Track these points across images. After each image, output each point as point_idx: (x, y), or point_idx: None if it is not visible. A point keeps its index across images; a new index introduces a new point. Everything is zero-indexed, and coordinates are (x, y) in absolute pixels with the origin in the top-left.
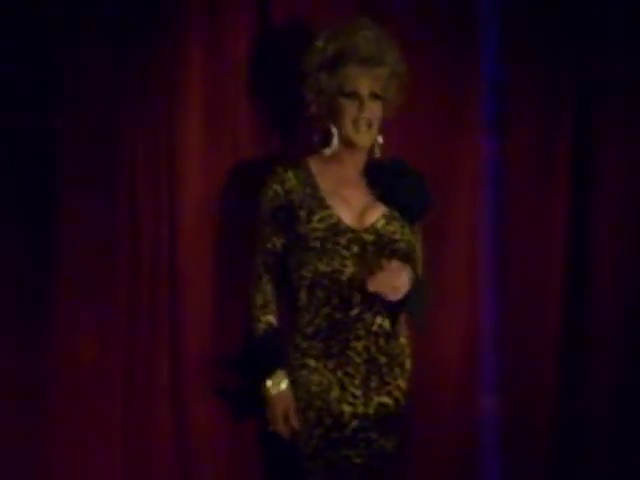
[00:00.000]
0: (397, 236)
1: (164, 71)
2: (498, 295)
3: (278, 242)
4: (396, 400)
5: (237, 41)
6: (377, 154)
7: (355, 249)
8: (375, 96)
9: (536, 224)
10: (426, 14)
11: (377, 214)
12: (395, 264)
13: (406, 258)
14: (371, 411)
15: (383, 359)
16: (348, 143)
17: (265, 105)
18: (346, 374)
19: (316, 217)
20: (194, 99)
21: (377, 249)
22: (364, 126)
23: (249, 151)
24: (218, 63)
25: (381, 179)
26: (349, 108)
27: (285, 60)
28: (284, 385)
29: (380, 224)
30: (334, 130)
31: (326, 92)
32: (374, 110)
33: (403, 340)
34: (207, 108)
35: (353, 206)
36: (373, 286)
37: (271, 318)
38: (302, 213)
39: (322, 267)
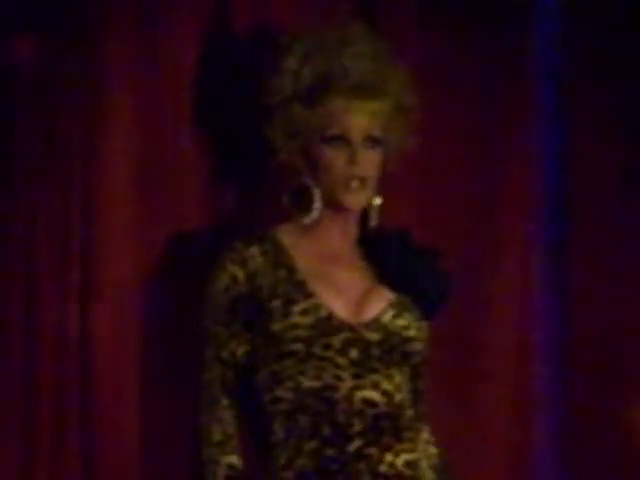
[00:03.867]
0: (412, 333)
1: (75, 104)
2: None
3: (239, 349)
4: None
5: (180, 58)
6: (374, 221)
7: (354, 354)
8: (372, 141)
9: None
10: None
11: (382, 303)
12: None
13: (420, 367)
14: None
15: None
16: (335, 206)
17: (217, 151)
18: None
19: (297, 308)
20: (117, 140)
21: (384, 353)
22: (356, 184)
23: (195, 218)
24: (152, 91)
25: (383, 255)
26: (335, 159)
27: (246, 87)
28: None
29: (387, 317)
30: (314, 190)
31: (301, 134)
32: (370, 161)
33: None
34: (136, 156)
35: (346, 292)
36: None
37: (234, 459)
38: (276, 304)
39: (307, 382)
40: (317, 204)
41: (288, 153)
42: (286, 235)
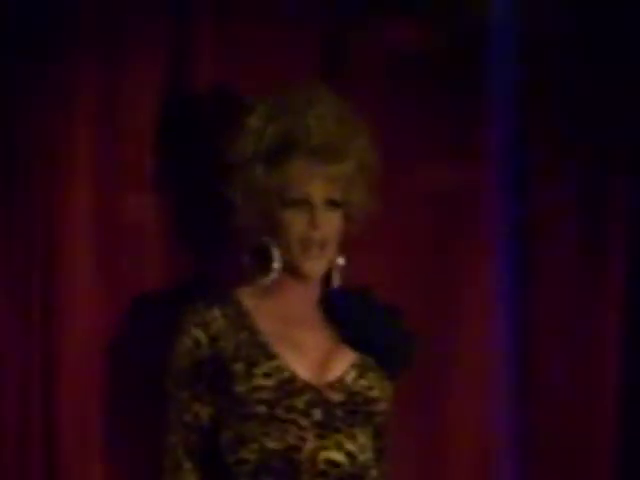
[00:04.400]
0: (375, 393)
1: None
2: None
3: (203, 412)
4: None
5: (138, 111)
6: (337, 282)
7: (317, 415)
8: (333, 204)
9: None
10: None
11: (345, 363)
12: None
13: (384, 426)
14: None
15: None
16: (294, 271)
17: (177, 212)
18: None
19: (260, 371)
20: (77, 201)
21: (347, 413)
22: (316, 250)
23: (156, 281)
24: (111, 149)
25: (345, 315)
26: (295, 222)
27: (205, 143)
28: None
29: (350, 377)
30: (274, 250)
31: (261, 196)
32: (331, 225)
33: None
34: (96, 219)
35: (309, 354)
36: None
37: None
38: (238, 366)
39: (271, 444)
40: (276, 264)
41: (247, 214)
42: (247, 297)
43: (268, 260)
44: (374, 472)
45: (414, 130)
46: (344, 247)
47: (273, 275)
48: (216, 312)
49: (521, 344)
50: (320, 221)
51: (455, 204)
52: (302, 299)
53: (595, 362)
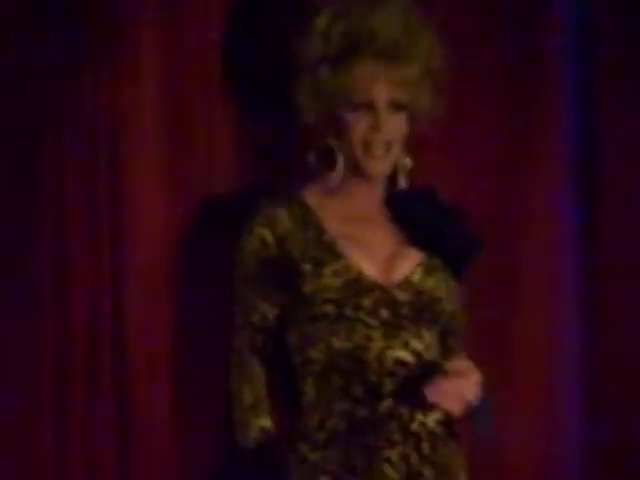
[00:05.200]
0: (441, 293)
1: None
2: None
3: (270, 312)
4: None
5: (207, 21)
6: (402, 183)
7: (385, 314)
8: (398, 106)
9: None
10: None
11: (411, 263)
12: (463, 365)
13: (451, 326)
14: None
15: (429, 473)
16: (358, 172)
17: (243, 114)
18: None
19: (328, 270)
20: (144, 104)
21: (414, 313)
22: (380, 150)
23: (222, 181)
24: (178, 56)
25: (411, 215)
26: (359, 124)
27: (272, 47)
28: None
29: (417, 277)
30: (338, 152)
31: (327, 97)
32: (395, 127)
33: (455, 445)
34: (162, 121)
35: (376, 253)
36: (435, 396)
37: (266, 421)
38: (306, 266)
39: (338, 343)
40: (340, 165)
41: (313, 116)
42: (312, 196)
43: (333, 161)
44: (437, 371)
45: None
46: (410, 148)
47: (337, 175)
48: (282, 212)
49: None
50: (383, 124)
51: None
52: (367, 198)
53: None
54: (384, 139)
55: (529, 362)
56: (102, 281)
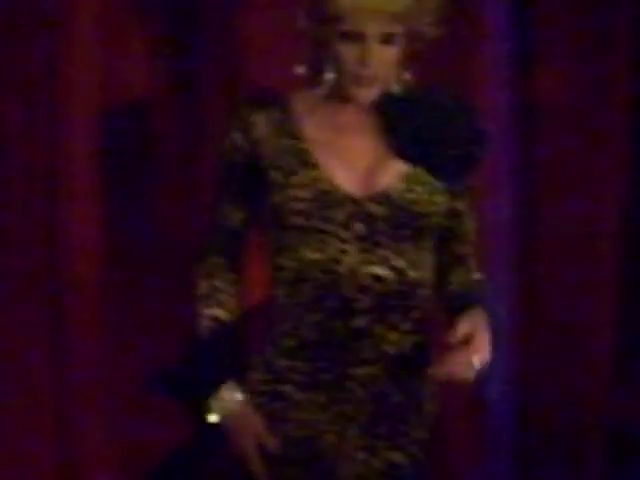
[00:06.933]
0: (422, 208)
1: None
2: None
3: (237, 216)
4: (412, 458)
5: None
6: (395, 89)
7: (359, 228)
8: (390, 37)
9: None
10: None
11: (392, 175)
12: (467, 329)
13: (445, 241)
14: (376, 472)
15: (396, 396)
16: (345, 94)
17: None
18: (343, 415)
19: (296, 180)
20: None
21: (393, 228)
22: (367, 81)
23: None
24: None
25: (402, 121)
26: (347, 55)
27: None
28: (239, 396)
29: (396, 189)
30: (327, 73)
31: (319, 20)
32: (384, 59)
33: (427, 372)
34: None
35: (355, 163)
36: (443, 374)
37: (217, 311)
38: (276, 174)
39: (309, 254)
40: (328, 76)
41: (308, 27)
42: (300, 101)
43: (322, 73)
44: (427, 291)
45: None
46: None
47: (324, 89)
48: (259, 116)
49: None
50: (372, 57)
51: None
52: (355, 108)
53: None
54: (371, 74)
55: None
56: None
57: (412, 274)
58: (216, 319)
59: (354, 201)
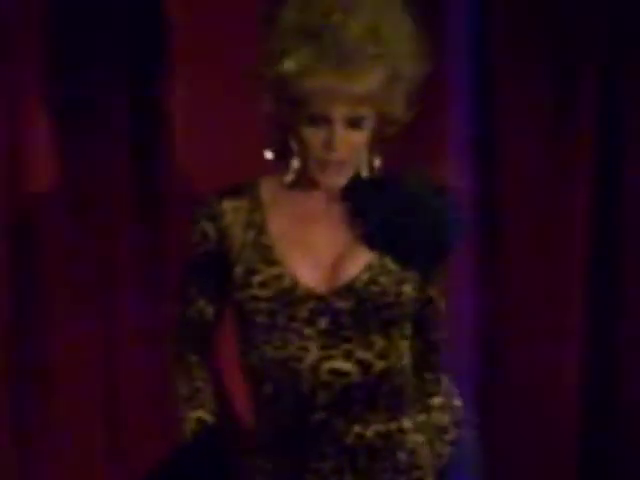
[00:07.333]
0: (389, 298)
1: None
2: None
3: (208, 308)
4: None
5: None
6: (364, 173)
7: (323, 323)
8: (357, 121)
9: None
10: None
11: (357, 266)
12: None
13: (418, 327)
14: None
15: None
16: (312, 182)
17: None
18: None
19: (257, 279)
20: None
21: (358, 321)
22: (334, 167)
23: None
24: None
25: (371, 204)
26: (313, 140)
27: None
28: None
29: (361, 281)
30: (294, 159)
31: (284, 102)
32: (352, 144)
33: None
34: None
35: (320, 257)
36: None
37: (202, 413)
38: (238, 271)
39: (272, 353)
40: (292, 171)
41: (275, 107)
42: (267, 189)
43: (289, 159)
44: (400, 379)
45: None
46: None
47: (291, 177)
48: (226, 205)
49: None
50: (338, 142)
51: None
52: (323, 195)
53: None
54: (340, 158)
55: None
56: None
57: (380, 364)
58: (202, 422)
59: (318, 297)
